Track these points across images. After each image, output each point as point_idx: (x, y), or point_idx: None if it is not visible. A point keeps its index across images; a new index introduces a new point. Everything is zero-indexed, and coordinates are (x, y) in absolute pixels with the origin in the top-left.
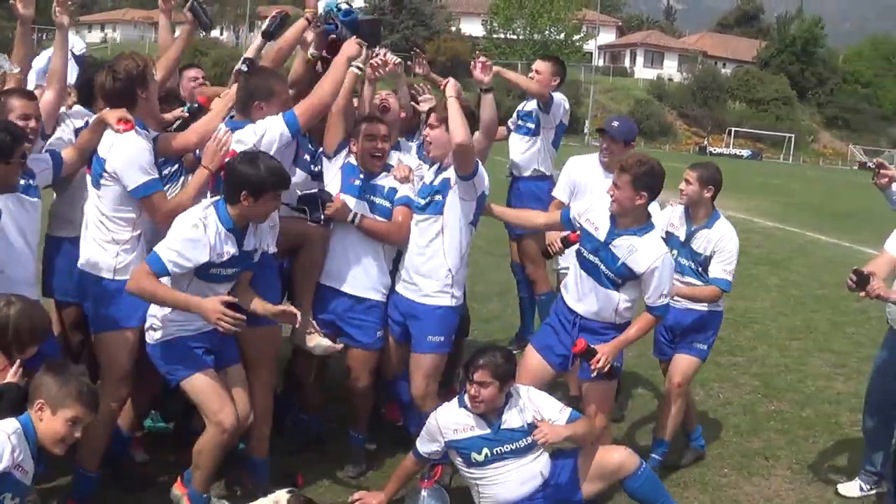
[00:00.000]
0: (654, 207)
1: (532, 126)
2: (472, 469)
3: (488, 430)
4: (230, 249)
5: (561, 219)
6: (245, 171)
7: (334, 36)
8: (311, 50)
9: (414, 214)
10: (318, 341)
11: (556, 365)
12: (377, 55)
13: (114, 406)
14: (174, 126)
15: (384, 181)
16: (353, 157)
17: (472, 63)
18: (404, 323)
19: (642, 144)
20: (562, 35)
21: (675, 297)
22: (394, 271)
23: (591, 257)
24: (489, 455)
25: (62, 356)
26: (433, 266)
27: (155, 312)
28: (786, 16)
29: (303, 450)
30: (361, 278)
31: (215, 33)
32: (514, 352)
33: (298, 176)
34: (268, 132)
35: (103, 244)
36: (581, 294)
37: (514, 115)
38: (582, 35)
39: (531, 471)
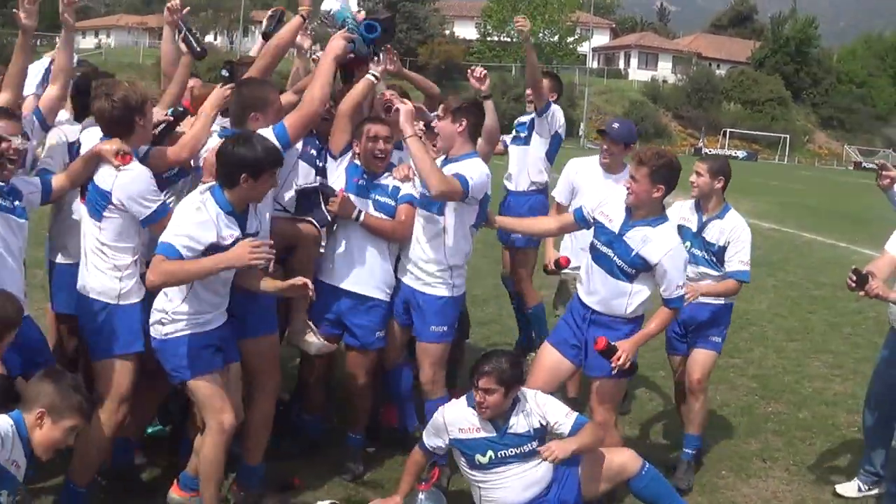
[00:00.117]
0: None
1: (524, 135)
2: (474, 471)
3: (494, 434)
4: (233, 232)
5: (574, 218)
6: (243, 153)
7: (353, 54)
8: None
9: (418, 208)
10: (312, 340)
11: (571, 357)
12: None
13: (111, 427)
14: (157, 129)
15: (387, 180)
16: (357, 158)
17: (469, 73)
18: (408, 309)
19: (637, 146)
20: (556, 37)
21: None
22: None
23: (605, 249)
24: (493, 458)
25: (55, 364)
26: (434, 260)
27: (163, 307)
28: (779, 16)
29: (303, 452)
30: (365, 277)
31: (209, 38)
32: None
33: (303, 170)
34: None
35: (105, 271)
36: (593, 287)
37: (513, 130)
38: (576, 37)
39: (535, 475)
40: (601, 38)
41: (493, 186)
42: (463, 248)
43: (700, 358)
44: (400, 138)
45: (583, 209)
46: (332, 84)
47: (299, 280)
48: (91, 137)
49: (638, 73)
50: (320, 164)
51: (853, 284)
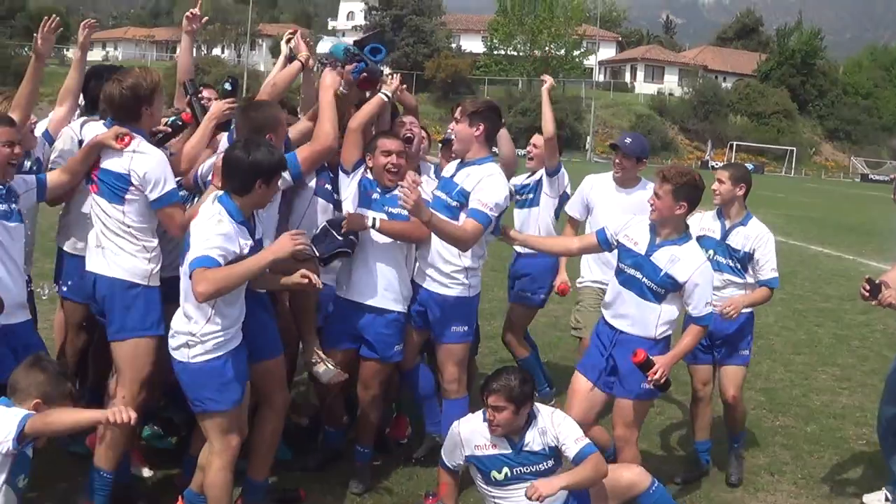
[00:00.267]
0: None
1: (530, 196)
2: (490, 487)
3: (510, 451)
4: (248, 241)
5: (597, 239)
6: (259, 158)
7: (366, 73)
8: (341, 88)
9: (435, 207)
10: (324, 369)
11: (602, 385)
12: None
13: (133, 405)
14: (157, 140)
15: (398, 192)
16: (370, 172)
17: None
18: (424, 311)
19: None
20: (562, 51)
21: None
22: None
23: (632, 271)
24: (509, 475)
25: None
26: (450, 262)
27: (188, 329)
28: (785, 28)
29: (326, 466)
30: (383, 290)
31: (216, 51)
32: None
33: (321, 206)
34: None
35: (135, 253)
36: (622, 310)
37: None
38: (582, 51)
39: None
40: (607, 52)
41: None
42: (477, 251)
43: (732, 374)
44: (410, 166)
45: (605, 231)
46: (336, 118)
47: (304, 273)
48: (91, 132)
49: (644, 87)
50: (336, 199)
51: (867, 294)
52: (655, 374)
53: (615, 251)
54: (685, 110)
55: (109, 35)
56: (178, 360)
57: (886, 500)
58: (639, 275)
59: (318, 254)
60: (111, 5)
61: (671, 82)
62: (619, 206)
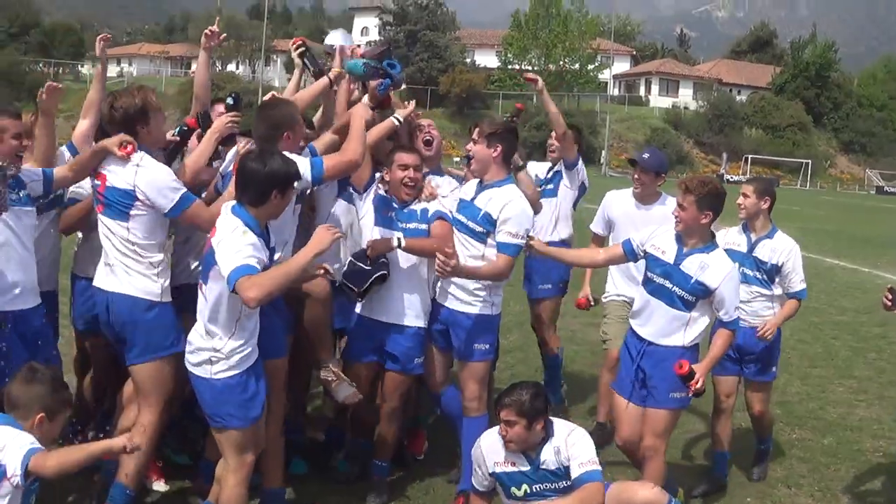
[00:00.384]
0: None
1: (550, 187)
2: (512, 501)
3: (528, 467)
4: (266, 252)
5: (623, 251)
6: (275, 168)
7: (392, 86)
8: (365, 101)
9: (463, 234)
10: (340, 387)
11: (635, 399)
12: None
13: (160, 427)
14: (168, 151)
15: (417, 206)
16: (383, 188)
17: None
18: (447, 331)
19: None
20: (576, 65)
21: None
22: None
23: (662, 280)
24: (528, 491)
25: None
26: (474, 281)
27: (211, 345)
28: (799, 41)
29: (359, 479)
30: (404, 308)
31: (231, 67)
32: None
33: (342, 208)
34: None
35: (142, 271)
36: (652, 320)
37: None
38: (596, 65)
39: None
40: (622, 66)
41: None
42: None
43: (759, 388)
44: (431, 167)
45: (631, 242)
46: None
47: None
48: (61, 157)
49: (659, 100)
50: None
51: (889, 304)
52: (696, 383)
53: (640, 262)
54: (700, 124)
55: (124, 51)
56: (199, 377)
57: None
58: (668, 283)
59: (355, 289)
60: (125, 21)
61: (686, 96)
62: (639, 223)
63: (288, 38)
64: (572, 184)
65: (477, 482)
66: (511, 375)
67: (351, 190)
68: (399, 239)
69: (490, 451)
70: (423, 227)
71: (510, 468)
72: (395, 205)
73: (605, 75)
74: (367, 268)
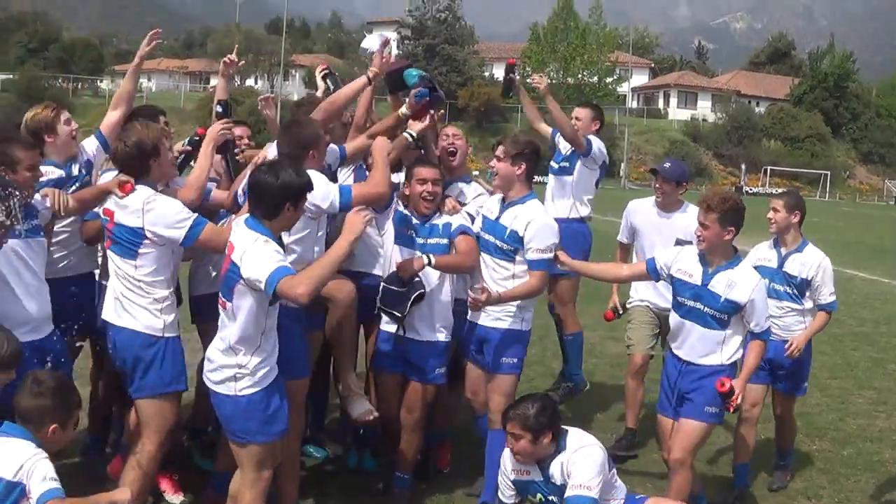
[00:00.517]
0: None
1: (567, 165)
2: None
3: (540, 478)
4: None
5: (647, 268)
6: (288, 181)
7: (428, 100)
8: (403, 109)
9: (491, 255)
10: (357, 402)
11: (675, 417)
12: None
13: (158, 459)
14: (178, 160)
15: (438, 220)
16: (402, 203)
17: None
18: (481, 348)
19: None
20: (595, 78)
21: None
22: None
23: (693, 303)
24: (544, 500)
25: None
26: None
27: (235, 362)
28: (817, 51)
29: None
30: (427, 324)
31: (250, 82)
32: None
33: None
34: (318, 194)
35: (146, 306)
36: (688, 342)
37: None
38: (615, 78)
39: None
40: (640, 78)
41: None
42: None
43: (785, 399)
44: (455, 177)
45: (655, 262)
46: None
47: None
48: (89, 145)
49: (678, 113)
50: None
51: None
52: (736, 399)
53: (662, 280)
54: (719, 136)
55: (143, 66)
56: (222, 395)
57: None
58: (700, 305)
59: (398, 314)
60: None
61: (704, 108)
62: (662, 230)
63: (307, 53)
64: (589, 164)
65: (502, 493)
66: (530, 388)
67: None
68: (429, 258)
69: (509, 458)
70: (444, 241)
71: (525, 477)
72: (414, 221)
73: (624, 88)
74: (402, 290)
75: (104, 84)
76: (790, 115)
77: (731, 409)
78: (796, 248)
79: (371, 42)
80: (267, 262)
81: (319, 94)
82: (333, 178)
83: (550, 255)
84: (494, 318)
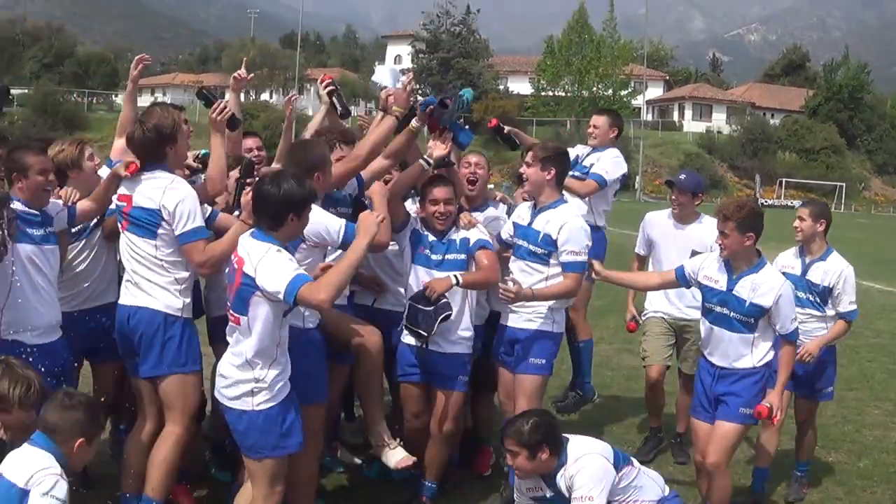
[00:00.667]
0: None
1: (587, 170)
2: None
3: (551, 493)
4: None
5: (676, 276)
6: (290, 191)
7: (432, 110)
8: (415, 122)
9: (521, 257)
10: (392, 453)
11: (710, 420)
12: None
13: (185, 441)
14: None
15: (455, 235)
16: (419, 219)
17: None
18: (511, 353)
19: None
20: (609, 91)
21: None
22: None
23: (719, 309)
24: None
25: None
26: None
27: (252, 376)
28: (832, 63)
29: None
30: (450, 337)
31: (265, 96)
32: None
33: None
34: (320, 226)
35: (167, 286)
36: (719, 348)
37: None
38: (630, 90)
39: None
40: (655, 91)
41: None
42: None
43: (808, 405)
44: (473, 206)
45: (684, 268)
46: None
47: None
48: (103, 174)
49: (692, 125)
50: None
51: None
52: (777, 416)
53: (692, 286)
54: (734, 148)
55: (158, 81)
56: (238, 410)
57: None
58: (726, 310)
59: (425, 333)
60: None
61: (719, 120)
62: (678, 241)
63: (321, 67)
64: (613, 183)
65: None
66: (545, 398)
67: None
68: (456, 277)
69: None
70: (462, 257)
71: (539, 493)
72: (430, 239)
73: (639, 101)
74: (428, 308)
75: (119, 98)
76: (805, 127)
77: (776, 423)
78: (820, 256)
79: (382, 76)
80: (284, 272)
81: (322, 111)
82: (356, 209)
83: (584, 257)
84: (525, 320)
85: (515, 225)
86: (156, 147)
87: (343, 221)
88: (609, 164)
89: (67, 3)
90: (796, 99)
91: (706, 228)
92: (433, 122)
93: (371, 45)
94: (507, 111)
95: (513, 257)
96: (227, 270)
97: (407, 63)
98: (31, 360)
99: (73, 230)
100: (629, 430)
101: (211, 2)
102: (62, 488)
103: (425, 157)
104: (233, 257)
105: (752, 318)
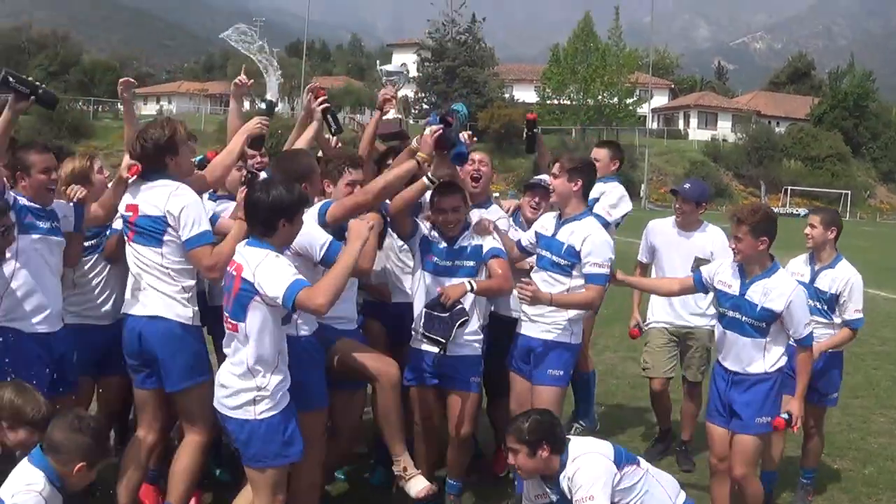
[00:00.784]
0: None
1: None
2: None
3: (553, 496)
4: None
5: (693, 281)
6: (279, 197)
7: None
8: (414, 143)
9: (544, 268)
10: (414, 482)
11: (725, 425)
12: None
13: (205, 449)
14: None
15: (466, 242)
16: (426, 226)
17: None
18: (527, 358)
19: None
20: (615, 99)
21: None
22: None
23: (732, 313)
24: None
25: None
26: (557, 310)
27: (254, 384)
28: (837, 71)
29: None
30: (458, 341)
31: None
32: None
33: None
34: (306, 237)
35: (174, 295)
36: (732, 352)
37: None
38: (635, 99)
39: None
40: (660, 99)
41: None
42: None
43: (814, 411)
44: (477, 202)
45: (701, 275)
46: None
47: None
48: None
49: (698, 133)
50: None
51: None
52: (797, 422)
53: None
54: (739, 156)
55: (163, 89)
56: (240, 420)
57: None
58: (738, 315)
59: (443, 340)
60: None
61: (725, 128)
62: (681, 249)
63: (327, 75)
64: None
65: None
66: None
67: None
68: (471, 283)
69: (529, 485)
70: (471, 264)
71: (545, 500)
72: (440, 246)
73: (644, 109)
74: (444, 315)
75: None
76: (810, 135)
77: (796, 430)
78: (829, 263)
79: (390, 68)
80: (283, 276)
81: (312, 126)
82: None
83: (607, 270)
84: (543, 330)
85: (539, 235)
86: (154, 158)
87: (330, 238)
88: (613, 200)
89: (73, 11)
90: (801, 107)
91: (709, 236)
92: (440, 143)
93: (376, 53)
94: (512, 119)
95: (535, 267)
96: (223, 280)
97: (413, 71)
98: (26, 346)
99: (87, 244)
100: (633, 439)
101: (217, 10)
102: None
103: (428, 175)
104: (230, 266)
105: (763, 323)
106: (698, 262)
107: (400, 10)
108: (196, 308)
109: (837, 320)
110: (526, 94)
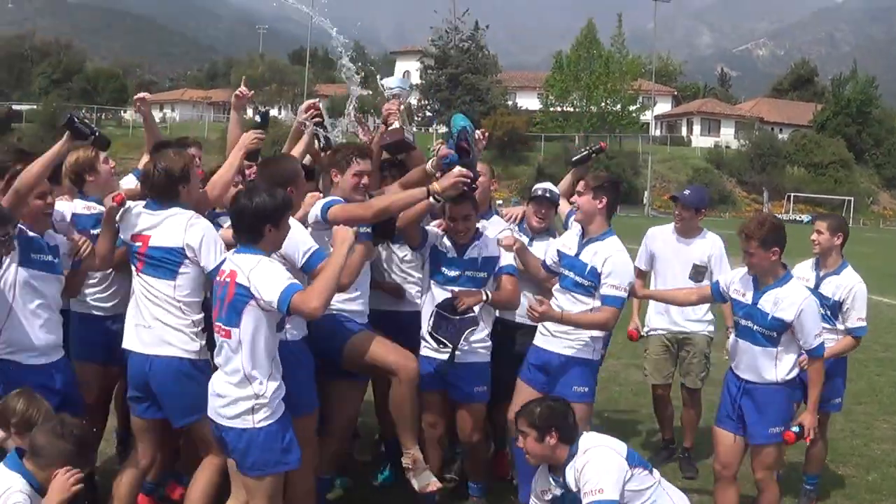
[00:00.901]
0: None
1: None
2: None
3: (559, 490)
4: None
5: (711, 291)
6: (262, 203)
7: (455, 164)
8: (429, 166)
9: (567, 288)
10: (421, 475)
11: (736, 431)
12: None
13: (219, 472)
14: None
15: (475, 252)
16: (437, 235)
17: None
18: (544, 371)
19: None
20: (618, 106)
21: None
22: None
23: (745, 322)
24: None
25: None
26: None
27: (252, 392)
28: (840, 77)
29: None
30: (464, 348)
31: (273, 112)
32: None
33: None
34: (291, 241)
35: (183, 328)
36: (744, 360)
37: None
38: (638, 106)
39: None
40: (663, 106)
41: None
42: None
43: (819, 416)
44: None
45: (719, 284)
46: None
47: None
48: (127, 183)
49: (701, 140)
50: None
51: None
52: (810, 433)
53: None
54: (742, 163)
55: (167, 97)
56: (237, 429)
57: None
58: (751, 323)
59: (451, 344)
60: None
61: (727, 135)
62: (680, 255)
63: (330, 83)
64: None
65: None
66: None
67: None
68: (487, 294)
69: (536, 481)
70: (481, 275)
71: (548, 497)
72: (449, 255)
73: (647, 116)
74: (454, 317)
75: (127, 114)
76: (813, 142)
77: (809, 441)
78: (834, 270)
79: (392, 82)
80: (278, 280)
81: (304, 139)
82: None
83: (624, 294)
84: (565, 346)
85: (561, 254)
86: (167, 187)
87: (315, 246)
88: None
89: (76, 19)
90: (804, 113)
91: (708, 243)
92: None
93: (380, 60)
94: (515, 127)
95: (558, 286)
96: (215, 290)
97: (416, 79)
98: (27, 379)
99: (94, 232)
100: (636, 446)
101: (220, 17)
102: None
103: (434, 193)
104: (220, 275)
105: (774, 332)
106: (696, 270)
107: (403, 18)
108: (203, 342)
109: (841, 327)
110: (529, 102)
